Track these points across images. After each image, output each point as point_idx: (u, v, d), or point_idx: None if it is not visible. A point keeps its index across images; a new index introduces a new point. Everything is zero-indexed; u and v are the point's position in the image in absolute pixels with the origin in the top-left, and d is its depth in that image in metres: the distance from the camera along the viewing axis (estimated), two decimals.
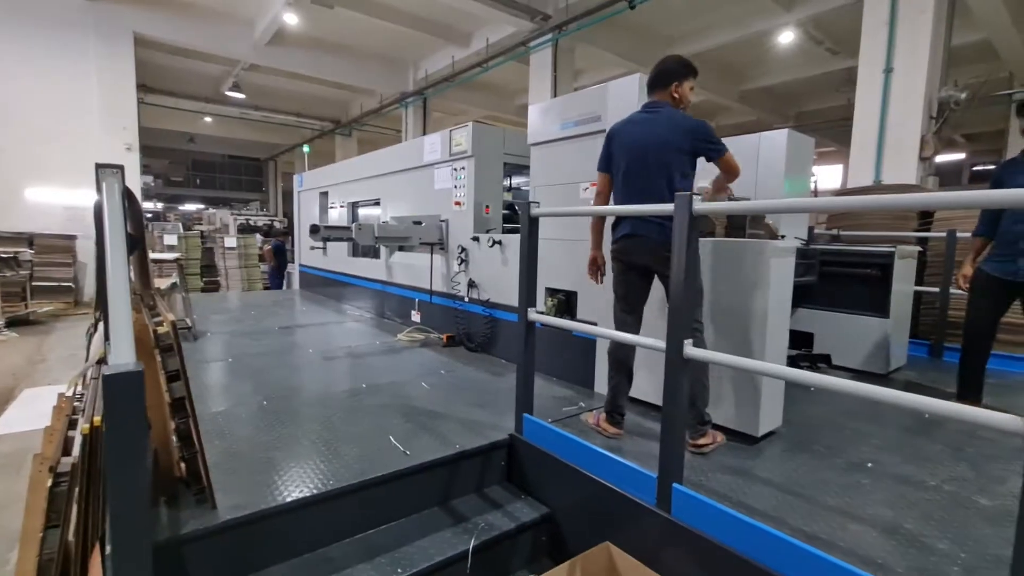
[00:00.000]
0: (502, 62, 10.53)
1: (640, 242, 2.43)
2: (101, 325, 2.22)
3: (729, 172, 2.46)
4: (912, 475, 2.25)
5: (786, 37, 9.66)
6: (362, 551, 1.98)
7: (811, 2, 8.59)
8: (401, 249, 5.42)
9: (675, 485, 1.87)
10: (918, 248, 4.42)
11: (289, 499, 1.93)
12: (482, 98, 14.42)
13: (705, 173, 2.57)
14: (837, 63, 10.73)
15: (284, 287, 10.84)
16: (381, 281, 5.85)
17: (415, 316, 5.11)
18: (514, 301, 2.59)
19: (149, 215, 15.48)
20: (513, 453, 2.55)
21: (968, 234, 3.32)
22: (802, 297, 4.01)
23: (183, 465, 1.88)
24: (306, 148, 10.58)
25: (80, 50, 9.72)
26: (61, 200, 9.67)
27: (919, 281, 4.49)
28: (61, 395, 2.16)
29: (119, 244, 1.49)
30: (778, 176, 3.35)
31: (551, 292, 3.54)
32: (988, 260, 2.96)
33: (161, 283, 4.55)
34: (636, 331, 2.53)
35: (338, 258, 7.03)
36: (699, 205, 1.78)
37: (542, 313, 2.63)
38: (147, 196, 16.95)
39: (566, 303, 3.49)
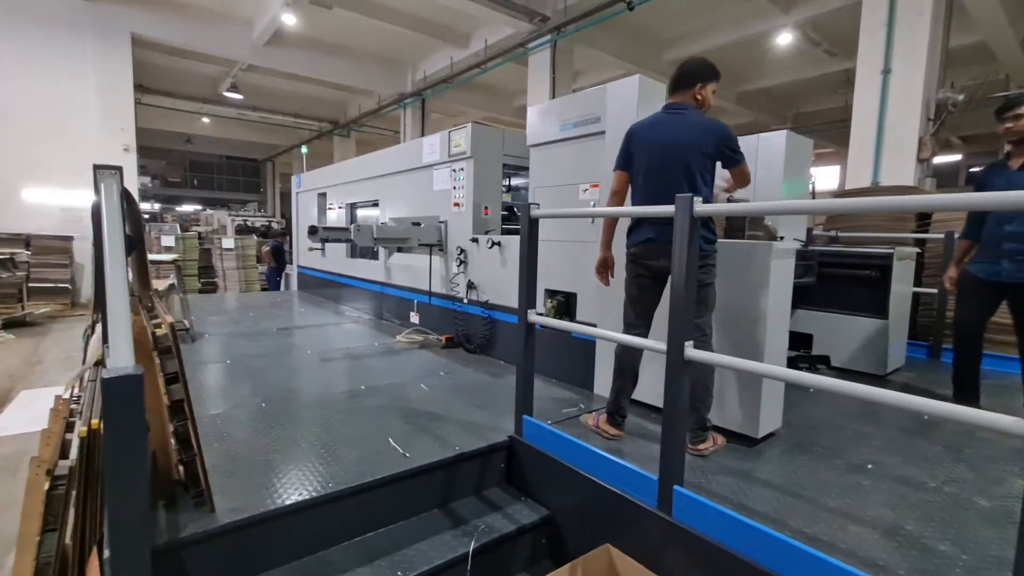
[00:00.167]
0: (501, 63, 10.53)
1: (664, 248, 2.31)
2: (99, 327, 2.21)
3: (743, 181, 2.44)
4: (912, 476, 2.25)
5: (784, 39, 9.69)
6: (361, 554, 1.98)
7: (809, 4, 8.62)
8: (400, 250, 5.41)
9: (676, 487, 1.86)
10: (916, 249, 4.43)
11: (288, 502, 1.92)
12: (481, 99, 14.42)
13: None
14: (835, 65, 10.77)
15: (282, 288, 10.82)
16: (380, 282, 5.84)
17: (414, 317, 5.10)
18: (513, 302, 2.59)
19: (146, 216, 15.43)
20: (513, 455, 2.55)
21: None
22: (801, 298, 4.01)
23: (181, 468, 1.87)
24: (304, 149, 10.57)
25: (77, 50, 9.68)
26: (58, 201, 9.63)
27: (917, 282, 4.50)
28: (58, 397, 2.15)
29: (117, 245, 1.48)
30: (777, 177, 3.36)
31: (550, 293, 3.53)
32: (973, 262, 3.02)
33: (159, 284, 4.53)
34: (645, 335, 2.51)
35: (336, 259, 7.02)
36: (700, 207, 1.77)
37: (541, 315, 2.62)
38: (144, 197, 16.91)
39: (565, 304, 3.49)
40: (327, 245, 6.98)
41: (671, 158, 2.35)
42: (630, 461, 2.11)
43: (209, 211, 17.15)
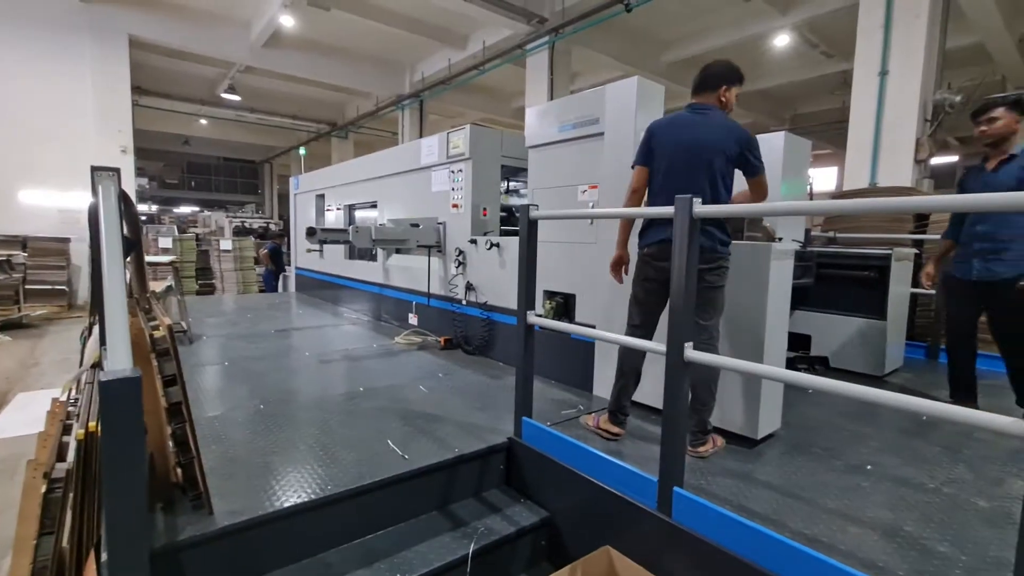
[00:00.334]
0: (499, 65, 10.54)
1: None
2: (96, 329, 2.20)
3: (761, 193, 2.40)
4: (911, 477, 2.25)
5: (782, 40, 9.71)
6: (360, 556, 1.97)
7: (806, 6, 8.65)
8: (398, 252, 5.41)
9: (676, 489, 1.86)
10: (914, 250, 4.44)
11: (287, 504, 1.92)
12: (479, 100, 14.42)
13: None
14: (832, 66, 10.80)
15: (280, 290, 10.80)
16: (378, 284, 5.83)
17: (412, 319, 5.09)
18: (512, 304, 2.58)
19: (144, 218, 15.38)
20: (512, 457, 2.54)
21: None
22: (799, 299, 4.01)
23: (179, 470, 1.86)
24: (302, 150, 10.57)
25: (75, 52, 9.67)
26: (55, 203, 9.61)
27: (915, 283, 4.50)
28: (55, 400, 2.14)
29: (115, 247, 1.47)
30: (775, 179, 3.36)
31: (549, 295, 3.53)
32: (953, 262, 3.08)
33: (156, 286, 4.52)
34: (649, 336, 2.50)
35: (335, 261, 7.01)
36: (699, 207, 1.77)
37: (540, 316, 2.62)
38: (142, 199, 16.89)
39: (564, 306, 3.49)
40: (325, 246, 6.97)
41: (694, 157, 2.31)
42: (630, 462, 2.11)
43: (207, 213, 17.07)
